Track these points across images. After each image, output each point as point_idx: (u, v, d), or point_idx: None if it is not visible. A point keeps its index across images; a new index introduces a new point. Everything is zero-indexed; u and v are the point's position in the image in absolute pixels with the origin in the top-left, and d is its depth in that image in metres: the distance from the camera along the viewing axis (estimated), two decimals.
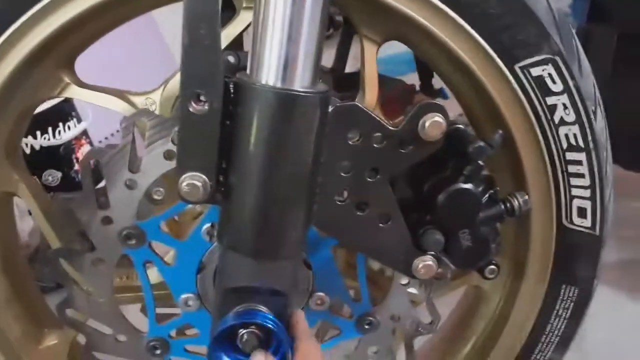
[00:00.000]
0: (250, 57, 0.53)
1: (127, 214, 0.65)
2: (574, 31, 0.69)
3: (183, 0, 0.50)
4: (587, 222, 0.72)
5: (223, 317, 0.57)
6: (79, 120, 1.64)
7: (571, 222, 0.72)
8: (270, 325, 0.55)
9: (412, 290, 0.74)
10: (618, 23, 1.20)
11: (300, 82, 0.52)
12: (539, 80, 0.66)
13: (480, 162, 0.60)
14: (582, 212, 0.71)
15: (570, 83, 0.66)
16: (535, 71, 0.66)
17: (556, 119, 0.67)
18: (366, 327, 0.75)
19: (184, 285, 0.69)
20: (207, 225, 0.67)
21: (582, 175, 0.70)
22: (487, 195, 0.62)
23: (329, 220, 0.59)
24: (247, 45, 0.56)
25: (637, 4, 1.16)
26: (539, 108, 0.67)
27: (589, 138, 0.68)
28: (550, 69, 0.66)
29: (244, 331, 0.55)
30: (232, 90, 0.52)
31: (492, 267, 0.65)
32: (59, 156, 1.58)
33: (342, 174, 0.57)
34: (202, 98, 0.51)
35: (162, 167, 0.63)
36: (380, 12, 0.64)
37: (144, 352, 0.71)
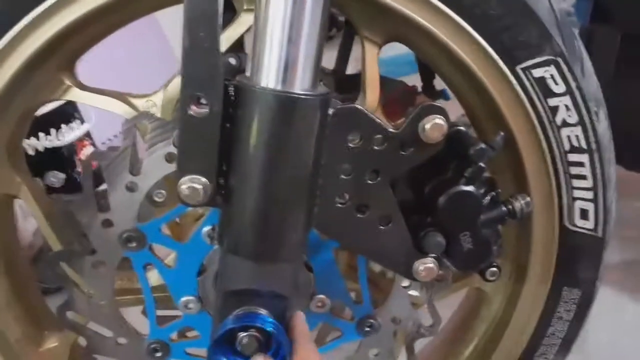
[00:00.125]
0: (250, 59, 0.53)
1: (127, 216, 0.65)
2: (576, 32, 0.69)
3: (183, 3, 0.50)
4: (590, 224, 0.72)
5: (223, 320, 0.57)
6: (82, 122, 1.65)
7: (573, 224, 0.72)
8: (269, 329, 0.55)
9: (413, 292, 0.73)
10: (621, 23, 1.19)
11: (301, 84, 0.52)
12: (541, 82, 0.66)
13: (482, 164, 0.59)
14: (584, 214, 0.71)
15: (573, 84, 0.66)
16: (537, 72, 0.65)
17: (558, 120, 0.67)
18: (367, 329, 0.75)
19: (184, 288, 0.69)
20: (208, 227, 0.67)
21: (584, 177, 0.69)
22: (488, 198, 0.61)
23: (329, 222, 0.59)
24: (249, 47, 0.56)
25: (639, 5, 1.15)
26: (540, 109, 0.67)
27: (592, 139, 0.68)
28: (552, 70, 0.65)
29: (244, 334, 0.55)
30: (232, 93, 0.52)
31: (494, 269, 0.65)
32: (62, 157, 1.59)
33: (343, 176, 0.57)
34: (202, 101, 0.51)
35: (163, 169, 0.64)
36: (380, 13, 0.63)
37: (144, 354, 0.71)
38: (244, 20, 0.65)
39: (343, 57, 1.04)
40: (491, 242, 0.63)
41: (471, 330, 0.82)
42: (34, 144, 1.52)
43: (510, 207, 0.62)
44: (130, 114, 0.67)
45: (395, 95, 0.87)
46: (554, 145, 0.68)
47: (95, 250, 0.66)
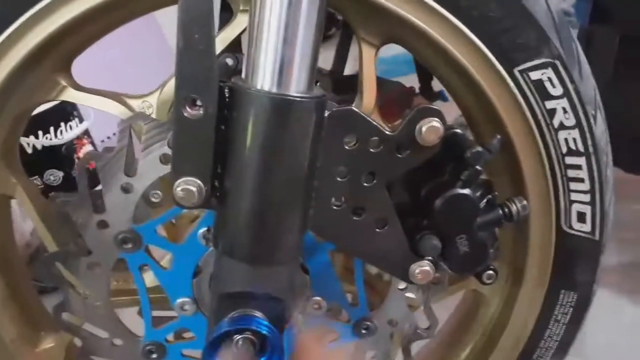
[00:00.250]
0: (245, 61, 0.53)
1: (123, 217, 0.65)
2: (574, 34, 0.69)
3: (177, 4, 0.49)
4: (587, 227, 0.71)
5: (218, 322, 0.56)
6: (81, 120, 1.65)
7: (570, 227, 0.71)
8: (264, 332, 0.55)
9: (409, 294, 0.73)
10: (620, 25, 1.19)
11: (296, 86, 0.52)
12: (539, 84, 0.65)
13: (478, 167, 0.59)
14: (581, 217, 0.71)
15: (570, 87, 0.66)
16: (535, 75, 0.65)
17: (556, 123, 0.67)
18: (364, 331, 0.74)
19: (180, 290, 0.69)
20: (204, 229, 0.67)
21: (581, 180, 0.69)
22: (485, 200, 0.61)
23: (325, 224, 0.59)
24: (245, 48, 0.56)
25: (638, 6, 1.15)
26: (538, 112, 0.66)
27: (589, 142, 0.68)
28: (549, 72, 0.65)
29: (239, 337, 0.55)
30: (227, 95, 0.52)
31: (490, 272, 0.65)
32: (60, 156, 1.59)
33: (339, 179, 0.57)
34: (197, 102, 0.51)
35: (159, 170, 0.63)
36: (377, 14, 0.63)
37: (140, 356, 0.71)
38: (240, 21, 0.65)
39: (340, 58, 1.04)
40: (488, 245, 0.63)
41: (468, 333, 0.82)
42: (32, 142, 1.52)
43: (506, 210, 0.62)
44: (126, 115, 0.67)
45: (392, 96, 0.86)
46: (552, 148, 0.68)
47: (90, 251, 0.66)
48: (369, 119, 0.56)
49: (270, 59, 0.51)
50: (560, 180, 0.69)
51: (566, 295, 0.75)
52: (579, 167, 0.69)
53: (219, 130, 0.52)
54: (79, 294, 0.69)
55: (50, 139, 1.56)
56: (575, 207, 0.70)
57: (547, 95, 0.66)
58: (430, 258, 0.61)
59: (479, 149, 0.58)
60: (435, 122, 0.56)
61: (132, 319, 0.75)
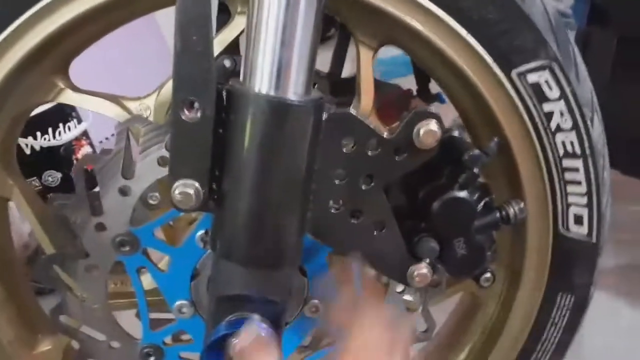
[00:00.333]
0: (243, 64, 0.53)
1: (120, 220, 0.65)
2: (571, 37, 0.69)
3: (174, 6, 0.49)
4: (584, 230, 0.72)
5: (216, 325, 0.56)
6: (79, 121, 1.65)
7: (567, 229, 0.71)
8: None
9: (407, 297, 0.73)
10: (617, 26, 1.19)
11: (294, 89, 0.52)
12: (536, 87, 0.65)
13: (476, 170, 0.59)
14: (578, 220, 0.71)
15: (567, 90, 0.66)
16: (532, 77, 0.65)
17: (553, 125, 0.67)
18: None
19: (177, 292, 0.69)
20: (202, 232, 0.67)
21: (578, 183, 0.69)
22: (482, 203, 0.61)
23: (323, 227, 0.59)
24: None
25: (636, 8, 1.15)
26: (535, 115, 0.66)
27: (586, 145, 0.68)
28: (547, 75, 0.65)
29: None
30: (225, 98, 0.52)
31: (488, 275, 0.65)
32: (59, 157, 1.59)
33: (337, 182, 0.57)
34: (194, 105, 0.51)
35: (156, 173, 0.63)
36: (374, 17, 0.63)
37: (138, 359, 0.71)
38: (238, 23, 0.65)
39: (338, 60, 1.04)
40: (485, 248, 0.63)
41: (466, 335, 0.82)
42: (31, 143, 1.52)
43: (504, 212, 0.62)
44: (123, 117, 0.67)
45: (390, 99, 0.86)
46: (549, 150, 0.68)
47: (88, 253, 0.66)
48: (366, 122, 0.56)
49: (268, 61, 0.51)
50: (558, 183, 0.69)
51: (563, 297, 0.75)
52: (576, 169, 0.69)
53: (216, 133, 0.52)
54: (76, 296, 0.68)
55: (49, 140, 1.56)
56: (573, 210, 0.71)
57: (544, 98, 0.66)
58: (428, 261, 0.62)
59: (476, 152, 0.58)
60: (433, 126, 0.56)
61: (130, 321, 0.75)
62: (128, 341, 0.71)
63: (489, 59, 0.64)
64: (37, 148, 1.53)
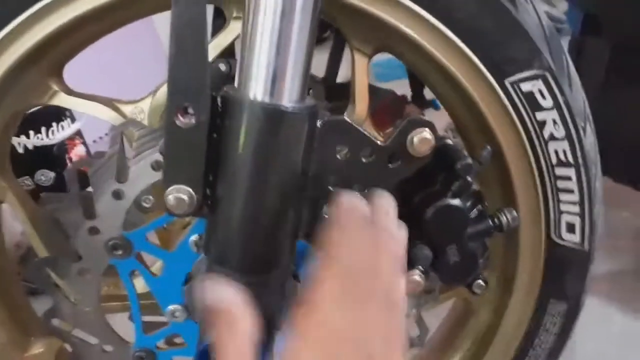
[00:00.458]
0: (238, 69, 0.53)
1: (114, 224, 0.65)
2: (564, 46, 0.69)
3: (170, 10, 0.49)
4: (576, 238, 0.72)
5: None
6: (73, 120, 1.64)
7: (560, 237, 0.72)
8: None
9: None
10: (610, 35, 1.20)
11: (289, 96, 0.52)
12: (529, 96, 0.66)
13: (469, 178, 0.59)
14: (571, 228, 0.71)
15: (560, 99, 0.66)
16: (525, 86, 0.65)
17: (546, 134, 0.67)
18: None
19: (170, 296, 0.69)
20: (195, 236, 0.67)
21: (571, 191, 0.70)
22: (475, 211, 0.62)
23: (317, 233, 0.59)
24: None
25: (629, 17, 1.16)
26: (528, 123, 0.67)
27: (579, 154, 0.68)
28: (540, 84, 0.65)
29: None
30: (219, 103, 0.52)
31: (480, 282, 0.65)
32: (52, 156, 1.58)
33: (331, 188, 0.57)
34: (189, 111, 0.51)
35: (150, 177, 0.63)
36: (370, 24, 0.63)
37: None
38: (234, 28, 0.65)
39: (333, 65, 1.04)
40: (478, 255, 0.63)
41: (458, 341, 0.83)
42: (23, 142, 1.51)
43: (497, 220, 0.63)
44: (117, 121, 0.67)
45: (384, 104, 0.87)
46: (542, 159, 0.68)
47: (81, 257, 0.66)
48: (360, 129, 0.56)
49: (263, 68, 0.51)
50: (550, 191, 0.70)
51: (556, 304, 0.76)
52: (568, 178, 0.69)
53: (211, 139, 0.52)
54: (69, 299, 0.68)
55: (42, 139, 1.55)
56: (565, 218, 0.71)
57: (537, 107, 0.66)
58: (420, 267, 0.62)
59: (469, 161, 0.58)
60: (427, 133, 0.56)
61: (122, 324, 0.75)
62: (121, 345, 0.71)
63: (482, 67, 0.64)
64: (30, 147, 1.52)
